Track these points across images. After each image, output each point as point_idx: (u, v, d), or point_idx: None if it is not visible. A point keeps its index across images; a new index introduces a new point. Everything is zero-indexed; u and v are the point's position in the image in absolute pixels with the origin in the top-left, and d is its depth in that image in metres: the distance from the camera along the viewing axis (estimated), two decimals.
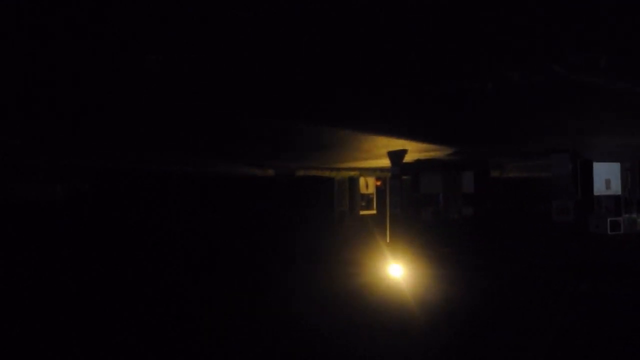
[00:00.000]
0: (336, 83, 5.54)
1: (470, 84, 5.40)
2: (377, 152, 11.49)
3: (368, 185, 17.05)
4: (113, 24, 3.81)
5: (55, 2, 3.42)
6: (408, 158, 11.31)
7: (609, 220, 10.90)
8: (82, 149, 12.49)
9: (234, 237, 17.19)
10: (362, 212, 17.01)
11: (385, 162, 12.47)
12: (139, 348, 14.30)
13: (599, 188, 10.72)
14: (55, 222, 15.52)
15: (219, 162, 14.77)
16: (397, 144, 10.09)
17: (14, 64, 4.79)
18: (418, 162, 12.31)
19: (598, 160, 10.77)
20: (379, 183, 17.21)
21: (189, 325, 15.27)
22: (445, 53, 4.53)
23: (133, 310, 15.22)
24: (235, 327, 14.57)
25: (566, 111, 7.05)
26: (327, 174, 16.23)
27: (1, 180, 13.88)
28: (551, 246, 13.55)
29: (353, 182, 17.07)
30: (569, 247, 13.37)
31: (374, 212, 17.04)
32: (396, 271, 14.45)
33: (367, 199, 17.16)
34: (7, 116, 7.64)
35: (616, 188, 10.84)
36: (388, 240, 15.15)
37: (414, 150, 10.87)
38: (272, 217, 17.16)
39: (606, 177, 10.72)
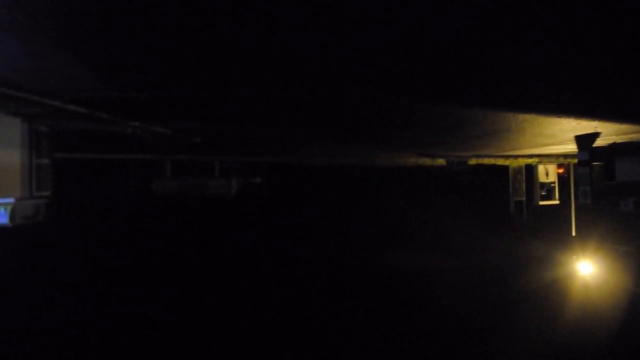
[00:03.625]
0: (517, 59, 4.83)
1: None
2: (561, 137, 10.29)
3: (548, 173, 15.51)
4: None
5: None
6: (600, 142, 9.93)
7: None
8: (254, 146, 13.21)
9: (399, 229, 16.94)
10: (542, 203, 15.53)
11: (569, 148, 11.15)
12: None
13: None
14: (232, 214, 16.77)
15: (386, 152, 14.58)
16: (588, 126, 8.85)
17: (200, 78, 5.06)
18: (613, 146, 10.75)
19: None
20: (561, 170, 15.59)
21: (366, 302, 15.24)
22: None
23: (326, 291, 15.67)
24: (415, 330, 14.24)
25: None
26: (501, 162, 15.10)
27: (182, 176, 15.35)
28: None
29: (531, 170, 15.69)
30: None
31: (556, 202, 15.46)
32: (586, 269, 12.88)
33: (548, 188, 15.62)
34: (190, 117, 8.26)
35: None
36: (574, 234, 13.59)
37: (609, 133, 9.49)
38: (443, 208, 16.52)
39: None
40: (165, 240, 17.32)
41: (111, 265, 16.76)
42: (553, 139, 10.73)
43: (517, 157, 14.35)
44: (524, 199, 15.96)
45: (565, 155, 13.81)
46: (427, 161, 15.71)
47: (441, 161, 15.08)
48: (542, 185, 15.59)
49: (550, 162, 15.37)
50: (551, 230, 14.45)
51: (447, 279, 15.11)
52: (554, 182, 15.62)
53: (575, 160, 10.70)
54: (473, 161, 14.66)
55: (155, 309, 16.75)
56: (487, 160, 14.90)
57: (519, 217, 15.93)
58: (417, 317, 14.80)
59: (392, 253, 16.44)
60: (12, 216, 7.44)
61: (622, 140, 10.36)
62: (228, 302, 15.81)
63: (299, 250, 16.77)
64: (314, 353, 14.77)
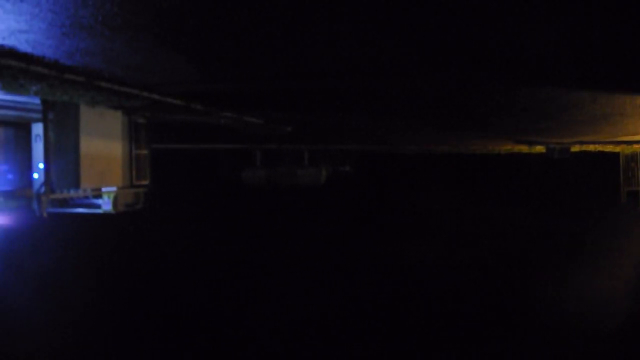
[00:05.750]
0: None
1: None
2: None
3: None
4: None
5: None
6: None
7: None
8: (343, 135, 13.10)
9: (495, 220, 16.13)
10: None
11: None
12: None
13: None
14: (321, 203, 16.77)
15: (480, 139, 13.91)
16: None
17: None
18: None
19: None
20: None
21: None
22: None
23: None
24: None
25: None
26: (610, 148, 13.88)
27: (271, 165, 15.57)
28: None
29: None
30: None
31: None
32: None
33: None
34: (282, 107, 8.26)
35: None
36: None
37: None
38: (543, 198, 15.50)
39: None
40: (254, 228, 17.72)
41: (204, 251, 17.42)
42: None
43: (630, 142, 13.06)
44: (639, 189, 14.51)
45: None
46: (524, 148, 14.82)
47: (540, 148, 14.14)
48: None
49: None
50: None
51: (548, 276, 14.21)
52: None
53: None
54: (576, 148, 13.60)
55: (244, 294, 17.23)
56: (593, 147, 13.76)
57: (634, 208, 14.54)
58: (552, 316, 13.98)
59: (489, 246, 15.74)
60: (115, 204, 7.79)
61: None
62: (320, 290, 15.92)
63: (391, 241, 16.50)
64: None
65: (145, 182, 8.33)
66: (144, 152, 8.29)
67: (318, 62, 5.14)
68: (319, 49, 4.57)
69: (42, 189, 6.84)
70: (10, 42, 3.95)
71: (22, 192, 7.30)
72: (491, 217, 16.20)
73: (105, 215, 7.82)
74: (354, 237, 16.95)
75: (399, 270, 15.91)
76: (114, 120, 7.56)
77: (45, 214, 6.97)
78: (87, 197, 7.80)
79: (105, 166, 7.48)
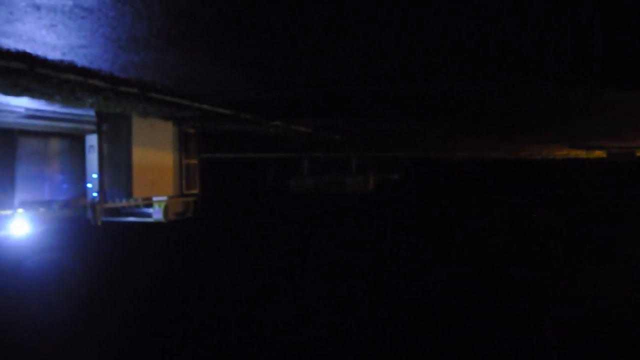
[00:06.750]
0: None
1: None
2: None
3: None
4: None
5: None
6: None
7: None
8: (392, 142, 12.89)
9: (551, 228, 15.50)
10: None
11: None
12: None
13: None
14: (368, 211, 16.58)
15: (534, 145, 13.40)
16: None
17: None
18: None
19: None
20: None
21: None
22: None
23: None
24: None
25: None
26: None
27: (318, 173, 15.52)
28: None
29: None
30: None
31: None
32: None
33: None
34: (331, 114, 8.16)
35: None
36: None
37: None
38: (604, 206, 14.76)
39: None
40: (302, 236, 17.68)
41: (252, 259, 17.50)
42: None
43: None
44: None
45: None
46: (581, 153, 14.15)
47: (599, 153, 13.45)
48: None
49: None
50: None
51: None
52: None
53: None
54: None
55: (292, 301, 17.19)
56: None
57: None
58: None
59: (544, 255, 15.13)
60: (166, 213, 7.86)
61: None
62: (370, 298, 15.69)
63: (442, 250, 16.11)
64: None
65: (195, 191, 8.39)
66: (194, 161, 8.35)
67: (367, 68, 5.00)
68: (368, 55, 4.45)
69: (96, 199, 6.95)
70: (69, 57, 4.00)
71: (76, 202, 7.44)
72: (546, 225, 15.59)
73: (156, 224, 7.91)
74: (403, 245, 16.66)
75: (450, 279, 15.53)
76: (165, 130, 7.63)
77: (100, 223, 7.08)
78: (138, 206, 7.90)
79: (157, 176, 7.55)
